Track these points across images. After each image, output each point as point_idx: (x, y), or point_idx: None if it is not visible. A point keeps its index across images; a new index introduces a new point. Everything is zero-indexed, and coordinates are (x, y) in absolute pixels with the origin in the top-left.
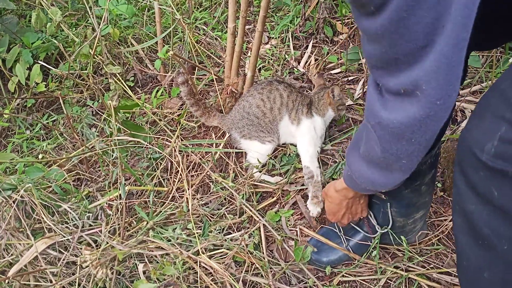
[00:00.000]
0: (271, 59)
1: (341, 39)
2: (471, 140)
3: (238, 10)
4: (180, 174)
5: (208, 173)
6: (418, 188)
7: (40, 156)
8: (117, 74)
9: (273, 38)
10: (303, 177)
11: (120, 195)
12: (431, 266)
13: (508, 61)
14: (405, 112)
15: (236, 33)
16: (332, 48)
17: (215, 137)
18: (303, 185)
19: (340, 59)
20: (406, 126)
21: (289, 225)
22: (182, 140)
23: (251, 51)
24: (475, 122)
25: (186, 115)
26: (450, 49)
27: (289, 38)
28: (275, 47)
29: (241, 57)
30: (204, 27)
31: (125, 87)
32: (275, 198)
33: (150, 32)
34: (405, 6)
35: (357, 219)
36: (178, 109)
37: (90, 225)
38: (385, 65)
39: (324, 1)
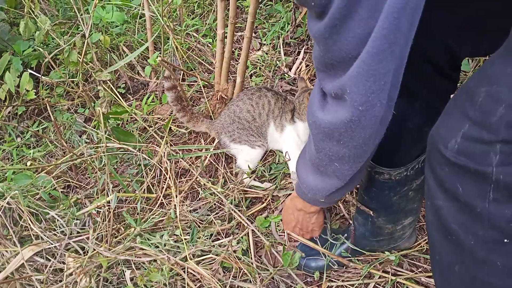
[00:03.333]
0: (263, 66)
1: None
2: (437, 137)
3: (227, 17)
4: (169, 180)
5: (197, 179)
6: (406, 193)
7: (28, 163)
8: (107, 81)
9: (265, 44)
10: (292, 182)
11: (108, 201)
12: (419, 270)
13: None
14: (335, 114)
15: (225, 39)
16: None
17: (205, 143)
18: (292, 190)
19: None
20: (334, 127)
21: (278, 230)
22: (171, 145)
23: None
24: (442, 120)
25: (176, 121)
26: (369, 57)
27: (280, 45)
28: (266, 54)
29: (232, 63)
30: (196, 34)
31: (115, 94)
32: (264, 204)
33: (141, 39)
34: (338, 15)
35: (308, 238)
36: (169, 115)
37: (78, 232)
38: (324, 68)
39: None
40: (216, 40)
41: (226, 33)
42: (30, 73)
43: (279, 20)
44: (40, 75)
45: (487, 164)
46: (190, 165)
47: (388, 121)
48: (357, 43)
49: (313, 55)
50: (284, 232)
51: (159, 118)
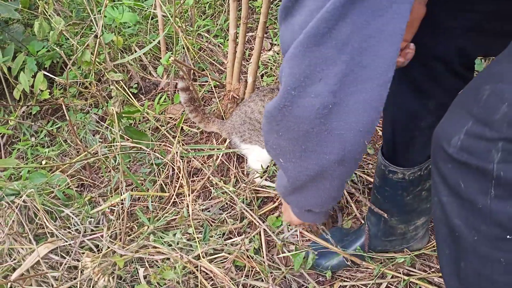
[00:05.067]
0: (274, 66)
1: None
2: (441, 134)
3: (239, 17)
4: (181, 179)
5: (209, 178)
6: (419, 193)
7: (43, 162)
8: (120, 81)
9: (275, 44)
10: None
11: (121, 200)
12: (432, 270)
13: None
14: (273, 101)
15: (237, 39)
16: None
17: (216, 142)
18: None
19: None
20: (271, 114)
21: (290, 229)
22: (183, 145)
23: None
24: (447, 117)
25: (188, 121)
26: (306, 37)
27: None
28: (277, 54)
29: (243, 63)
30: (207, 35)
31: (127, 94)
32: (276, 204)
33: (153, 40)
34: None
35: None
36: (181, 115)
37: (92, 230)
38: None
39: None
40: (227, 40)
41: (238, 33)
42: (44, 74)
43: None
44: (54, 76)
45: (489, 161)
46: (202, 164)
47: (340, 135)
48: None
49: None
50: (296, 231)
51: (171, 117)
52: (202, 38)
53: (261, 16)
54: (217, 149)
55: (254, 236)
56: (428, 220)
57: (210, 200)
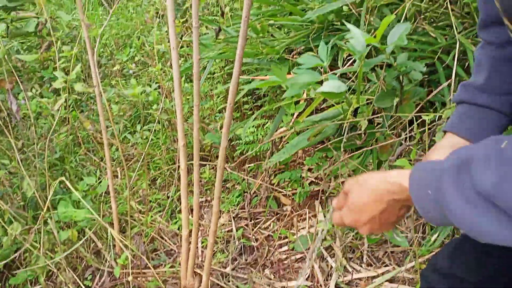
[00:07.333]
0: (223, 241)
1: (286, 211)
2: None
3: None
4: None
5: None
6: None
7: None
8: (73, 275)
9: (223, 212)
10: None
11: None
12: None
13: None
14: None
15: (190, 238)
16: (278, 223)
17: None
18: None
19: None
20: None
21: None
22: None
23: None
24: None
25: None
26: None
27: (238, 215)
28: (225, 224)
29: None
30: (160, 218)
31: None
32: None
33: (107, 222)
34: None
35: (381, 232)
36: None
37: None
38: None
39: (266, 183)
40: (177, 211)
41: (191, 232)
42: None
43: (235, 186)
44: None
45: None
46: None
47: None
48: None
49: None
50: None
51: None
52: (155, 218)
53: (213, 216)
54: None
55: None
56: None
57: None
